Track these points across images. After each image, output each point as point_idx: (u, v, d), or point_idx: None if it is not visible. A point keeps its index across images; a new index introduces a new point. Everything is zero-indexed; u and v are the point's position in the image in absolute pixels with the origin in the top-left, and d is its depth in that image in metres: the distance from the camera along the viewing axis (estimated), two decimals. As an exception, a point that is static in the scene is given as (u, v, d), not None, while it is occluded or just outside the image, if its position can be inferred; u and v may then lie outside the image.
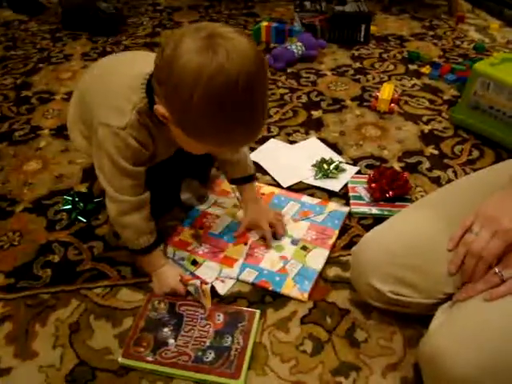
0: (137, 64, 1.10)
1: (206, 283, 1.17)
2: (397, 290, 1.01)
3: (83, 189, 1.55)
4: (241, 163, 1.31)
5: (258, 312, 1.13)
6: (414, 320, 1.11)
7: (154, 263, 1.21)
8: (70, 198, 1.45)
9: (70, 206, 1.44)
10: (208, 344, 1.07)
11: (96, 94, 1.15)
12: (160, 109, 0.95)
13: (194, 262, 1.28)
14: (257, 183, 1.45)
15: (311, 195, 1.49)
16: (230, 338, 1.07)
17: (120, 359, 1.05)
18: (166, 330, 1.10)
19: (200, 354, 1.05)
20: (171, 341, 1.08)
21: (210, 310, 1.14)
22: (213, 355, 1.04)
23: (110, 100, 1.08)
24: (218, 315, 1.13)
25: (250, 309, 1.15)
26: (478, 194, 1.00)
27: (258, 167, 1.61)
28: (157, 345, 1.07)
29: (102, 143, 1.06)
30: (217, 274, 1.24)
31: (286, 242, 1.33)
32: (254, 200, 1.36)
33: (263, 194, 1.48)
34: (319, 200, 1.46)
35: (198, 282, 1.16)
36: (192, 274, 1.24)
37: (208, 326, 1.11)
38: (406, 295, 1.01)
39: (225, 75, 0.84)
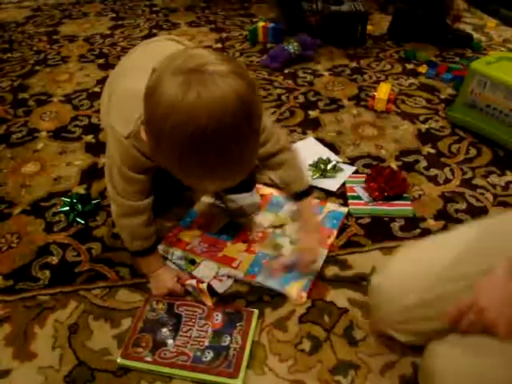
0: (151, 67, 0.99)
1: (203, 282, 1.17)
2: (413, 339, 0.99)
3: (81, 190, 1.55)
4: (290, 175, 1.20)
5: (256, 311, 1.13)
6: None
7: (150, 266, 1.21)
8: (68, 200, 1.45)
9: (67, 208, 1.44)
10: (207, 344, 1.07)
11: (114, 93, 1.11)
12: (142, 132, 0.90)
13: (193, 262, 1.28)
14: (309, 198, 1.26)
15: (309, 195, 1.49)
16: (229, 338, 1.08)
17: (119, 360, 1.05)
18: (164, 330, 1.11)
19: (199, 353, 1.05)
20: (170, 341, 1.08)
21: (209, 309, 1.14)
22: (211, 355, 1.05)
23: (121, 104, 1.06)
24: (217, 315, 1.13)
25: (248, 308, 1.15)
26: (488, 250, 0.92)
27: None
28: (155, 345, 1.07)
29: (110, 146, 1.06)
30: (215, 273, 1.24)
31: (284, 241, 1.33)
32: (311, 226, 1.24)
33: (262, 195, 1.48)
34: (317, 200, 1.46)
35: (194, 282, 1.16)
36: (190, 273, 1.24)
37: (206, 326, 1.11)
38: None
39: (192, 125, 0.76)
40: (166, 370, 1.03)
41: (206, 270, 1.26)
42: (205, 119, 0.76)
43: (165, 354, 1.05)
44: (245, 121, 0.80)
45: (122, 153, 1.03)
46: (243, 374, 1.01)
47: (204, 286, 1.15)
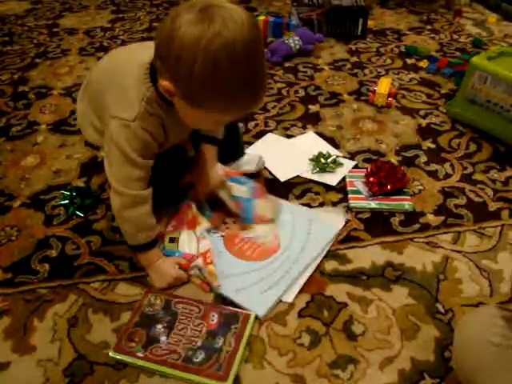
0: (138, 55, 1.13)
1: (208, 263, 1.17)
2: None
3: (81, 184, 1.55)
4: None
5: (252, 315, 1.11)
6: (410, 313, 1.12)
7: (151, 258, 1.21)
8: (68, 193, 1.45)
9: (67, 201, 1.44)
10: (199, 344, 1.06)
11: (107, 89, 1.16)
12: (164, 83, 0.99)
13: (171, 240, 1.28)
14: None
15: (308, 189, 1.50)
16: (222, 340, 1.06)
17: (111, 353, 1.05)
18: (159, 326, 1.10)
19: (190, 353, 1.04)
20: (163, 338, 1.07)
21: (206, 309, 1.13)
22: (203, 356, 1.03)
23: (121, 94, 1.12)
24: (213, 315, 1.12)
25: (245, 311, 1.13)
26: None
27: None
28: (148, 341, 1.06)
29: (113, 135, 1.10)
30: (196, 238, 1.25)
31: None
32: (212, 161, 1.37)
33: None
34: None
35: (200, 262, 1.17)
36: (178, 253, 1.25)
37: (201, 326, 1.10)
38: None
39: (222, 39, 0.89)
40: (156, 367, 1.02)
41: (186, 239, 1.26)
42: (232, 35, 0.90)
43: (156, 351, 1.05)
44: (258, 35, 0.96)
45: (130, 137, 1.09)
46: (233, 378, 0.99)
47: (212, 267, 1.16)
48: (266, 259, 1.27)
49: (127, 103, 1.09)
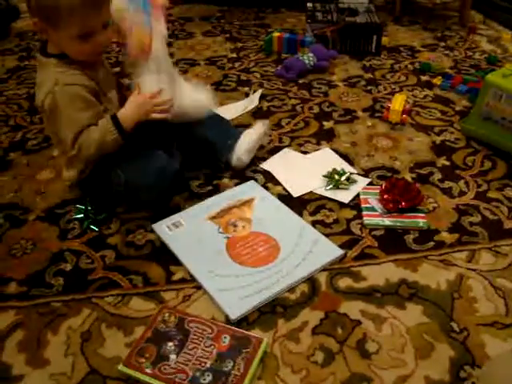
0: None
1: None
2: None
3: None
4: None
5: (265, 340, 1.09)
6: (424, 331, 1.11)
7: (127, 111, 1.39)
8: (83, 207, 1.46)
9: (82, 215, 1.45)
10: (208, 366, 1.04)
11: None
12: (36, 22, 1.26)
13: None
14: None
15: (322, 206, 1.50)
16: (232, 363, 1.04)
17: (120, 367, 1.04)
18: (170, 344, 1.09)
19: (198, 374, 1.03)
20: (173, 356, 1.06)
21: (218, 330, 1.11)
22: (210, 378, 1.02)
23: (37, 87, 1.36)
24: (225, 337, 1.10)
25: (257, 336, 1.11)
26: None
27: (270, 176, 1.63)
28: (158, 358, 1.06)
29: (54, 102, 1.29)
30: None
31: None
32: None
33: None
34: None
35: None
36: None
37: (212, 347, 1.08)
38: None
39: None
40: None
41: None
42: None
43: (165, 369, 1.04)
44: None
45: (64, 87, 1.29)
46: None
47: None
48: (259, 267, 1.28)
49: (44, 83, 1.31)
